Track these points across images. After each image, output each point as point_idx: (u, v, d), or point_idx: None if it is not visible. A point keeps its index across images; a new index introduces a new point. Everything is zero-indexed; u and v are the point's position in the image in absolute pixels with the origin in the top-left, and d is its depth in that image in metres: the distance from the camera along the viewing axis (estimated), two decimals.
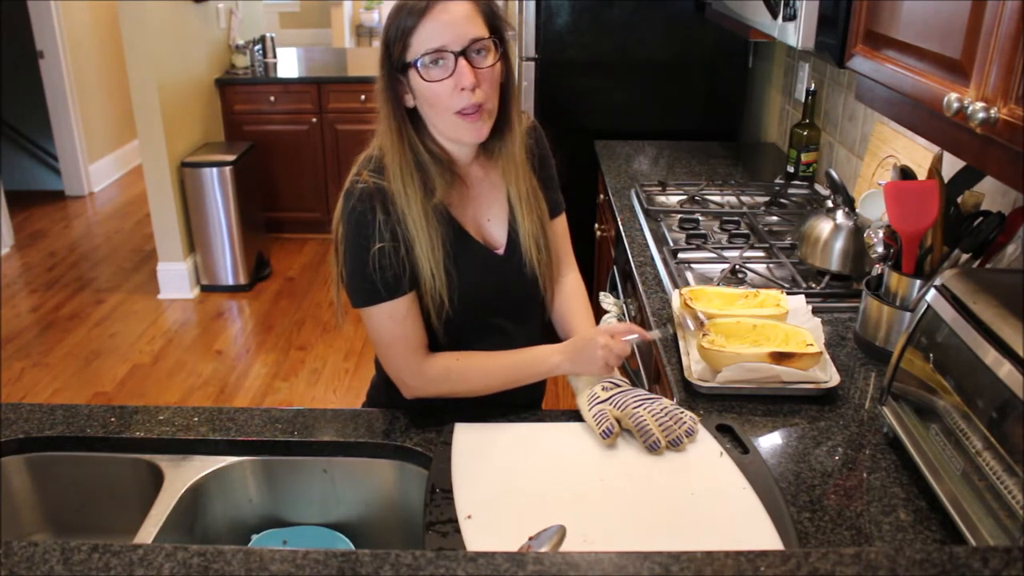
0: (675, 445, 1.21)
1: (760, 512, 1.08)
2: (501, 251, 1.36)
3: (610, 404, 1.24)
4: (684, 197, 2.35)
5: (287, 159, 4.70)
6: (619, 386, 1.28)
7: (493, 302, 1.37)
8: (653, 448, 1.20)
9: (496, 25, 1.24)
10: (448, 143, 1.30)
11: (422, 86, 1.20)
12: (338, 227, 1.27)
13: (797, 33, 1.69)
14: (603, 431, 1.22)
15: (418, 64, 1.18)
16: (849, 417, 1.31)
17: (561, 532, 0.97)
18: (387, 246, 1.23)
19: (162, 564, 0.76)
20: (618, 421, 1.23)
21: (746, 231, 2.09)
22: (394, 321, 1.27)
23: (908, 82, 1.17)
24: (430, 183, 1.25)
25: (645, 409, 1.22)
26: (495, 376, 1.32)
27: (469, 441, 1.25)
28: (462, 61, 1.18)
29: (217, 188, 4.01)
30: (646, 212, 2.21)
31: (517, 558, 0.76)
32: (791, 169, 2.49)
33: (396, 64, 1.21)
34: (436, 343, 1.33)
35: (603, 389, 1.27)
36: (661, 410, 1.23)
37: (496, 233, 1.36)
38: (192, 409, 1.34)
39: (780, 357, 1.33)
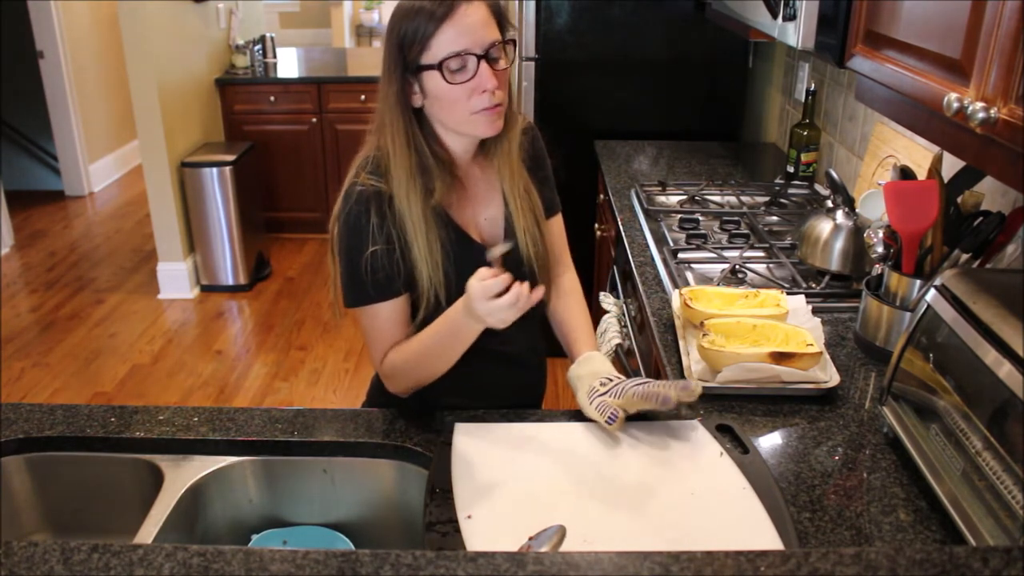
0: (686, 389, 1.20)
1: (760, 512, 1.08)
2: None
3: (610, 395, 1.25)
4: (684, 197, 2.35)
5: (287, 159, 4.70)
6: (614, 380, 1.29)
7: None
8: (666, 403, 1.19)
9: (504, 26, 1.26)
10: (451, 142, 1.31)
11: (442, 88, 1.21)
12: (334, 226, 1.29)
13: (797, 33, 1.69)
14: (608, 418, 1.23)
15: (441, 67, 1.20)
16: (849, 417, 1.31)
17: (561, 532, 0.97)
18: (380, 249, 1.25)
19: (162, 564, 0.76)
20: (622, 409, 1.24)
21: (746, 231, 2.09)
22: (378, 322, 1.30)
23: (908, 82, 1.17)
24: (430, 185, 1.26)
25: (646, 384, 1.23)
26: (433, 351, 1.28)
27: (469, 441, 1.25)
28: (483, 64, 1.21)
29: (217, 188, 4.01)
30: (646, 212, 2.21)
31: (517, 558, 0.76)
32: (791, 169, 2.49)
33: (411, 66, 1.22)
34: None
35: (601, 384, 1.28)
36: (657, 383, 1.24)
37: (493, 232, 1.37)
38: (192, 409, 1.34)
39: (780, 357, 1.33)
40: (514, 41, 1.27)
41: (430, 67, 1.20)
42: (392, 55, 1.23)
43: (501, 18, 1.26)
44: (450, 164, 1.31)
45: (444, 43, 1.19)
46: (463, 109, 1.23)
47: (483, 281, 1.15)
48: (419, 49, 1.20)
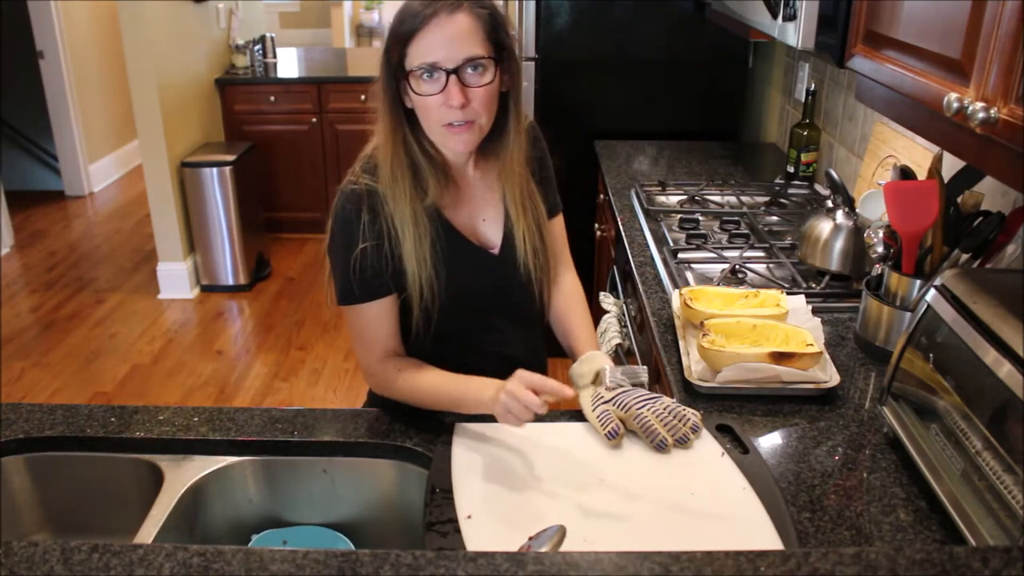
0: (682, 443, 1.21)
1: (760, 512, 1.08)
2: (496, 251, 1.36)
3: (613, 404, 1.24)
4: (684, 197, 2.35)
5: (287, 159, 4.70)
6: (621, 386, 1.28)
7: (488, 301, 1.37)
8: (661, 447, 1.19)
9: (500, 40, 1.22)
10: (441, 146, 1.30)
11: (414, 96, 1.22)
12: (328, 224, 1.30)
13: (797, 33, 1.69)
14: (608, 432, 1.22)
15: (410, 75, 1.20)
16: (849, 417, 1.31)
17: (561, 532, 0.97)
18: (370, 247, 1.25)
19: (162, 564, 0.76)
20: (622, 422, 1.23)
21: (746, 231, 2.09)
22: (365, 322, 1.31)
23: (908, 82, 1.17)
24: (422, 183, 1.26)
25: (648, 410, 1.22)
26: (438, 398, 1.30)
27: (469, 441, 1.25)
28: (453, 79, 1.18)
29: (217, 188, 4.01)
30: (646, 212, 2.21)
31: (517, 558, 0.76)
32: (791, 169, 2.49)
33: (394, 67, 1.22)
34: (430, 341, 1.34)
35: (607, 388, 1.27)
36: (664, 409, 1.23)
37: (491, 234, 1.37)
38: (192, 409, 1.34)
39: (780, 357, 1.33)
40: (507, 52, 1.23)
41: (406, 73, 1.20)
42: (383, 53, 1.23)
43: (496, 32, 1.21)
44: (444, 165, 1.31)
45: (418, 52, 1.18)
46: (433, 120, 1.22)
47: (526, 393, 1.13)
48: (400, 54, 1.20)
